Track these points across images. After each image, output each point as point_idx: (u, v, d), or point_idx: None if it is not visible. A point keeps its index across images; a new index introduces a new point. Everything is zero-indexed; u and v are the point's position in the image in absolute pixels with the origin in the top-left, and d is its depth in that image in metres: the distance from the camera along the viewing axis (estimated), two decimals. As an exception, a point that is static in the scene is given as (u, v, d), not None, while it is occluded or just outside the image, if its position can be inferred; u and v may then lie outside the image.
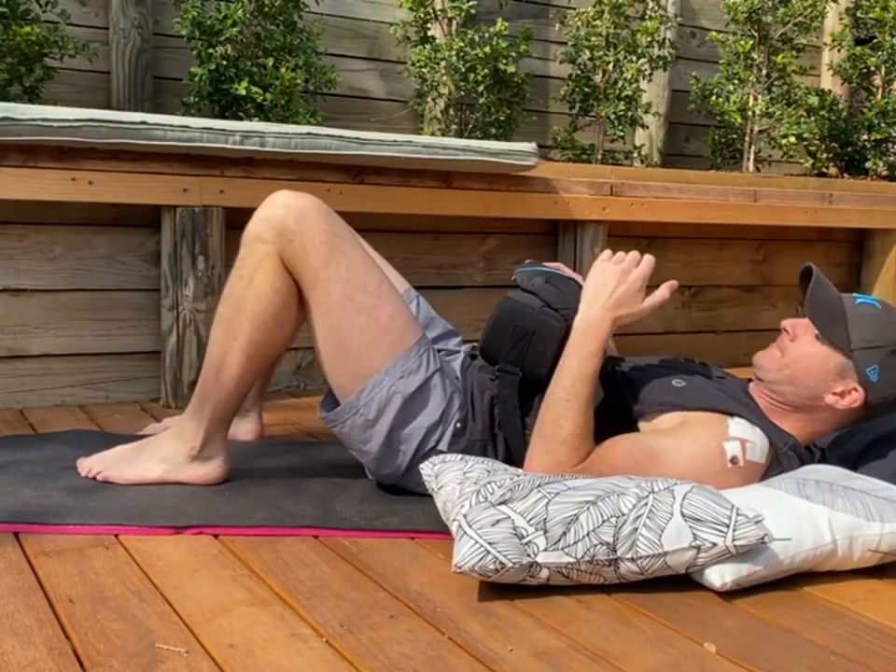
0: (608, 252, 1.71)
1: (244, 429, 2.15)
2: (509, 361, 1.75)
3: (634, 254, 1.69)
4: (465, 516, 1.40)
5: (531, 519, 1.38)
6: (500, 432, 1.77)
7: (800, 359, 1.67)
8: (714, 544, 1.36)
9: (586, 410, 1.60)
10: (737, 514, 1.38)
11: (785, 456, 1.66)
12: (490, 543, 1.35)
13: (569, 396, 1.60)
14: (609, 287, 1.65)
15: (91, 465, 1.82)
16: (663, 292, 1.68)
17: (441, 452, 1.75)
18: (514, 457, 1.73)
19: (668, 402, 1.68)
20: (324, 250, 1.71)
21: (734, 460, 1.59)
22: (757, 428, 1.63)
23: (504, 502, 1.42)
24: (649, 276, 1.67)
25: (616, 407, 1.72)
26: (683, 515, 1.38)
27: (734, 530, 1.36)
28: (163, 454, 1.80)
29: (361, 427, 1.75)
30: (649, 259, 1.69)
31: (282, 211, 1.72)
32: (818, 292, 1.68)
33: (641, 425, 1.70)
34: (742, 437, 1.61)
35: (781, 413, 1.70)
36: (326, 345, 1.74)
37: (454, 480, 1.53)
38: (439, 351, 1.94)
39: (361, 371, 1.73)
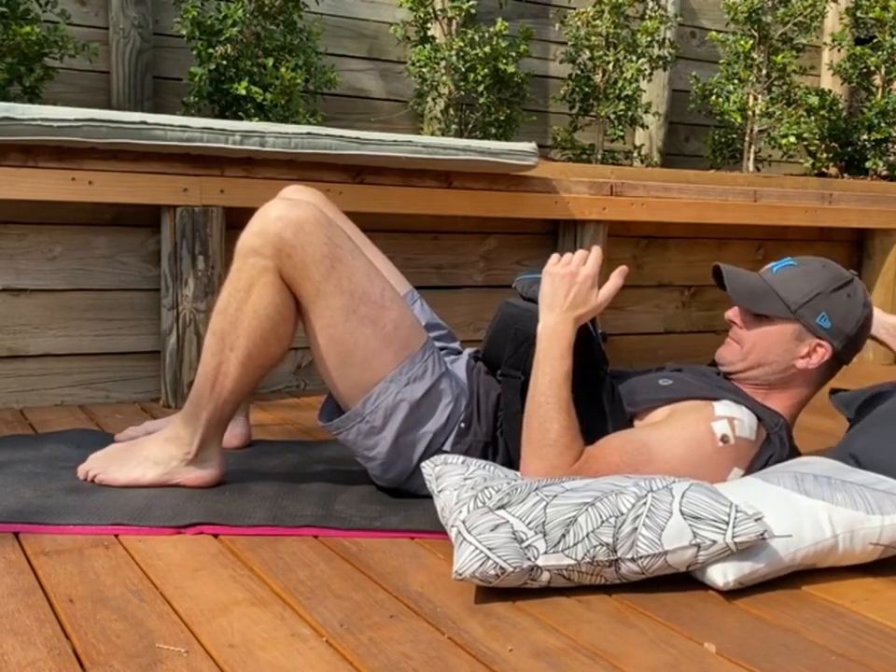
0: (555, 256, 1.72)
1: (230, 433, 2.04)
2: (510, 366, 1.75)
3: (580, 253, 1.70)
4: (464, 522, 1.40)
5: (530, 522, 1.38)
6: (502, 437, 1.77)
7: (757, 342, 1.74)
8: (714, 542, 1.36)
9: (568, 410, 1.61)
10: (736, 511, 1.39)
11: (777, 436, 1.70)
12: (490, 549, 1.34)
13: (549, 399, 1.60)
14: (563, 292, 1.67)
15: (87, 468, 1.82)
16: (615, 281, 1.70)
17: (445, 452, 1.75)
18: (514, 461, 1.73)
19: (657, 399, 1.73)
20: (325, 264, 1.67)
21: (724, 439, 1.62)
22: (743, 406, 1.67)
23: (502, 507, 1.41)
24: (597, 271, 1.69)
25: (616, 414, 1.74)
26: (682, 514, 1.38)
27: (733, 527, 1.37)
28: (157, 457, 1.79)
29: (367, 434, 1.74)
30: (595, 256, 1.70)
31: (279, 225, 1.66)
32: (735, 282, 1.76)
33: (635, 423, 1.74)
34: (729, 415, 1.64)
35: (764, 394, 1.75)
36: (327, 355, 1.72)
37: (452, 485, 1.53)
38: (441, 350, 1.94)
39: (366, 379, 1.72)
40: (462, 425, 1.77)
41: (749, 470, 1.66)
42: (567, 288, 1.66)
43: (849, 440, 1.83)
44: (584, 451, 1.60)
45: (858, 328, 1.72)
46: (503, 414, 1.76)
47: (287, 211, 1.68)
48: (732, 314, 1.78)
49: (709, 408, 1.66)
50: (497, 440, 1.78)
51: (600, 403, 1.74)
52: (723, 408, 1.66)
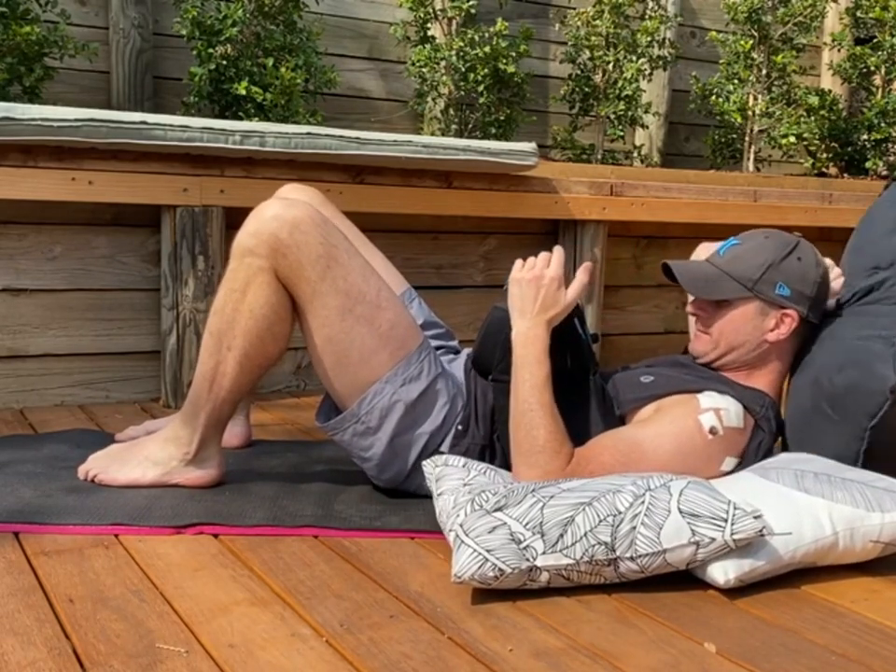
0: (518, 262, 1.72)
1: (230, 433, 2.03)
2: (501, 371, 1.74)
3: (543, 256, 1.71)
4: (461, 525, 1.40)
5: (527, 523, 1.38)
6: (499, 442, 1.77)
7: (724, 327, 1.75)
8: (713, 539, 1.36)
9: (553, 413, 1.61)
10: (735, 508, 1.39)
11: (764, 420, 1.70)
12: (488, 550, 1.34)
13: (533, 406, 1.61)
14: (531, 297, 1.67)
15: (87, 468, 1.82)
16: (581, 278, 1.70)
17: (442, 454, 1.74)
18: (510, 465, 1.73)
19: (641, 397, 1.73)
20: (320, 263, 1.66)
21: (712, 430, 1.63)
22: (726, 396, 1.68)
23: (499, 509, 1.42)
24: (562, 271, 1.69)
25: (607, 415, 1.75)
26: (681, 512, 1.38)
27: (732, 524, 1.37)
28: (157, 458, 1.79)
29: (363, 434, 1.74)
30: (558, 256, 1.70)
31: (274, 225, 1.66)
32: (687, 276, 1.76)
33: (625, 423, 1.74)
34: (714, 406, 1.65)
35: (745, 375, 1.76)
36: (324, 355, 1.72)
37: (451, 489, 1.53)
38: (438, 349, 1.94)
39: (361, 379, 1.71)
40: (459, 427, 1.77)
41: (743, 457, 1.67)
42: (535, 292, 1.67)
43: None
44: (575, 452, 1.60)
45: (817, 287, 1.73)
46: (498, 419, 1.76)
47: (282, 210, 1.67)
48: (692, 307, 1.79)
49: (694, 401, 1.66)
50: (495, 443, 1.78)
51: (591, 405, 1.74)
52: (708, 399, 1.66)
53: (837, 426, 1.69)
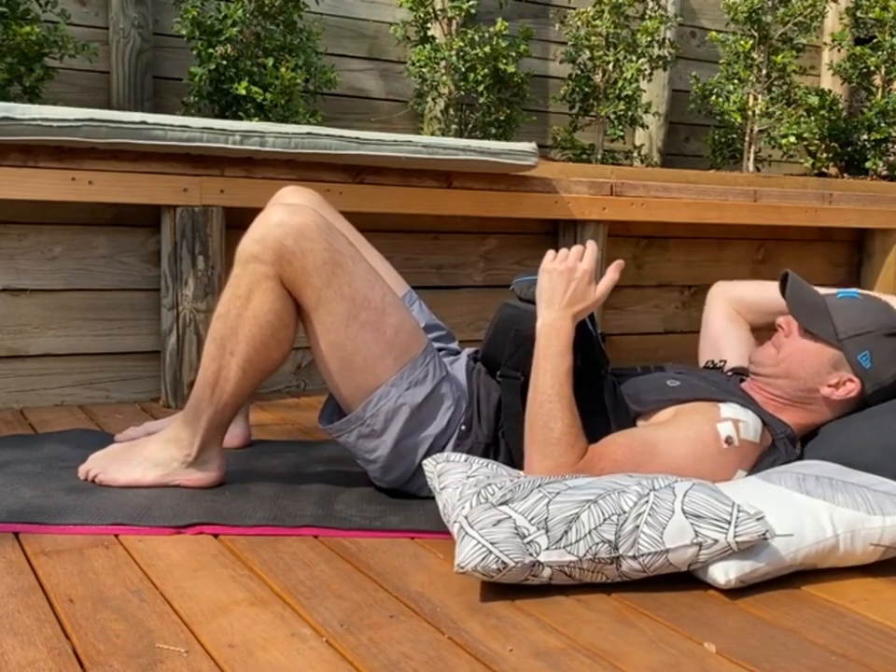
0: (551, 253, 1.72)
1: (230, 434, 2.01)
2: (510, 367, 1.75)
3: (576, 249, 1.71)
4: (466, 517, 1.40)
5: (532, 518, 1.38)
6: (504, 438, 1.77)
7: (794, 354, 1.74)
8: (716, 541, 1.37)
9: (571, 408, 1.61)
10: (738, 511, 1.39)
11: (782, 442, 1.70)
12: (492, 543, 1.35)
13: (552, 398, 1.61)
14: (561, 289, 1.67)
15: (87, 468, 1.82)
16: (611, 275, 1.70)
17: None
18: (516, 461, 1.73)
19: (664, 399, 1.73)
20: (326, 270, 1.66)
21: (728, 440, 1.62)
22: (749, 410, 1.67)
23: (505, 502, 1.42)
24: (595, 266, 1.70)
25: (618, 413, 1.74)
26: (685, 512, 1.38)
27: (735, 527, 1.37)
28: (158, 458, 1.79)
29: (367, 437, 1.74)
30: (591, 250, 1.71)
31: (279, 231, 1.65)
32: (797, 292, 1.76)
33: (640, 423, 1.74)
34: (734, 417, 1.64)
35: (778, 406, 1.75)
36: (329, 360, 1.72)
37: (455, 483, 1.53)
38: (440, 351, 1.94)
39: (366, 383, 1.71)
40: (463, 427, 1.77)
41: (754, 471, 1.66)
42: (566, 285, 1.67)
43: (825, 445, 1.80)
44: (588, 448, 1.61)
45: (895, 380, 1.72)
46: (504, 415, 1.76)
47: (287, 217, 1.67)
48: (783, 320, 1.78)
49: (715, 409, 1.65)
50: (499, 441, 1.78)
51: (602, 402, 1.74)
52: (729, 410, 1.66)
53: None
